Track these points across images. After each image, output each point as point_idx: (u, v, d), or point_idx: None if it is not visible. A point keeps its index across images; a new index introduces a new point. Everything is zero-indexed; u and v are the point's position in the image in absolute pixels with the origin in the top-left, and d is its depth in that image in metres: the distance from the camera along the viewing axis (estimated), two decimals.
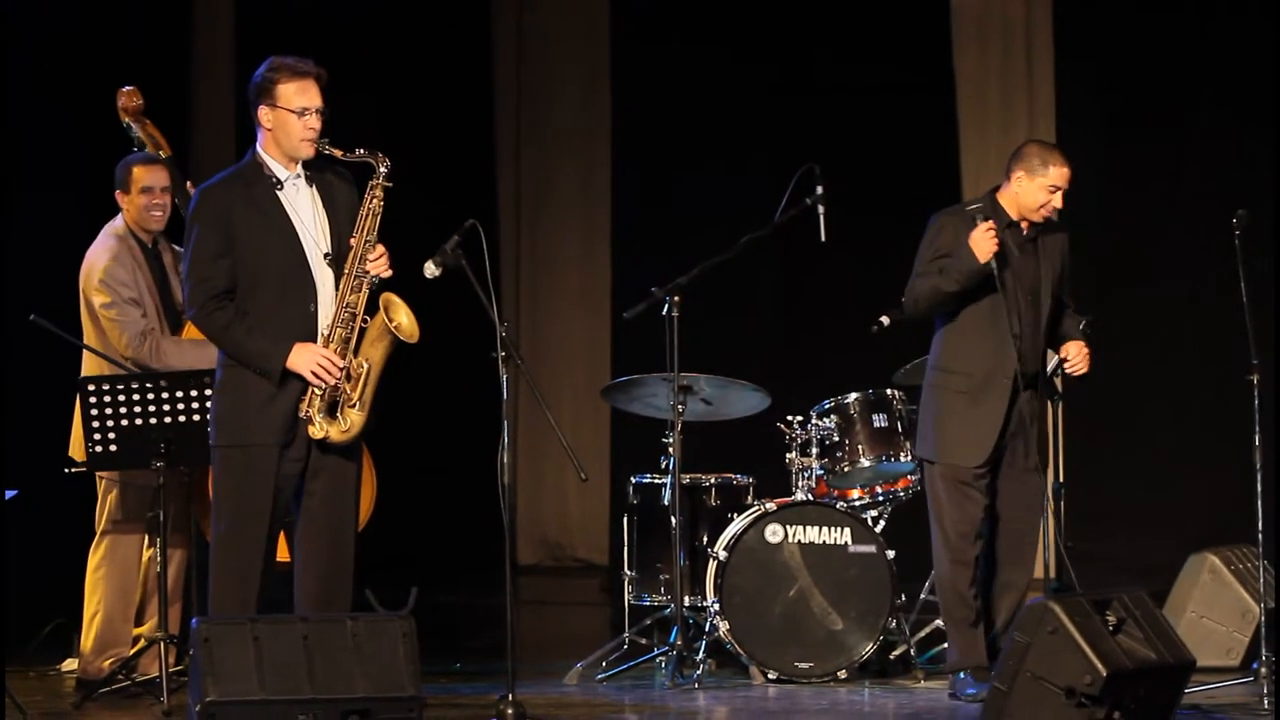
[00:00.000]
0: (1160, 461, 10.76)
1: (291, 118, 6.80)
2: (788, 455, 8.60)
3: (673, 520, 8.30)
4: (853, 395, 8.60)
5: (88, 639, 7.97)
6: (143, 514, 7.91)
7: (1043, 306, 7.73)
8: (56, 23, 10.35)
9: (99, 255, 7.93)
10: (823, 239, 8.37)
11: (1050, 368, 7.99)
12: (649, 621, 8.58)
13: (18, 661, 8.25)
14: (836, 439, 8.57)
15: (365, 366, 6.83)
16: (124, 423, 7.58)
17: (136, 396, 7.57)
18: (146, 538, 7.99)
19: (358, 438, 6.87)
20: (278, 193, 6.84)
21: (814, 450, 8.55)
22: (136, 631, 8.03)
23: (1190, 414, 10.68)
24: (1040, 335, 7.74)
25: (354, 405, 6.82)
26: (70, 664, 8.33)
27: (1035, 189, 7.65)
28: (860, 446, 8.56)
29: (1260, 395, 7.74)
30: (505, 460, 7.02)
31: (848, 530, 8.29)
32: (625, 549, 8.73)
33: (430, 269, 7.08)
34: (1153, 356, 10.61)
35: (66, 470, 7.86)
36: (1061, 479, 8.29)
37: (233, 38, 11.27)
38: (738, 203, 10.46)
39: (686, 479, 8.49)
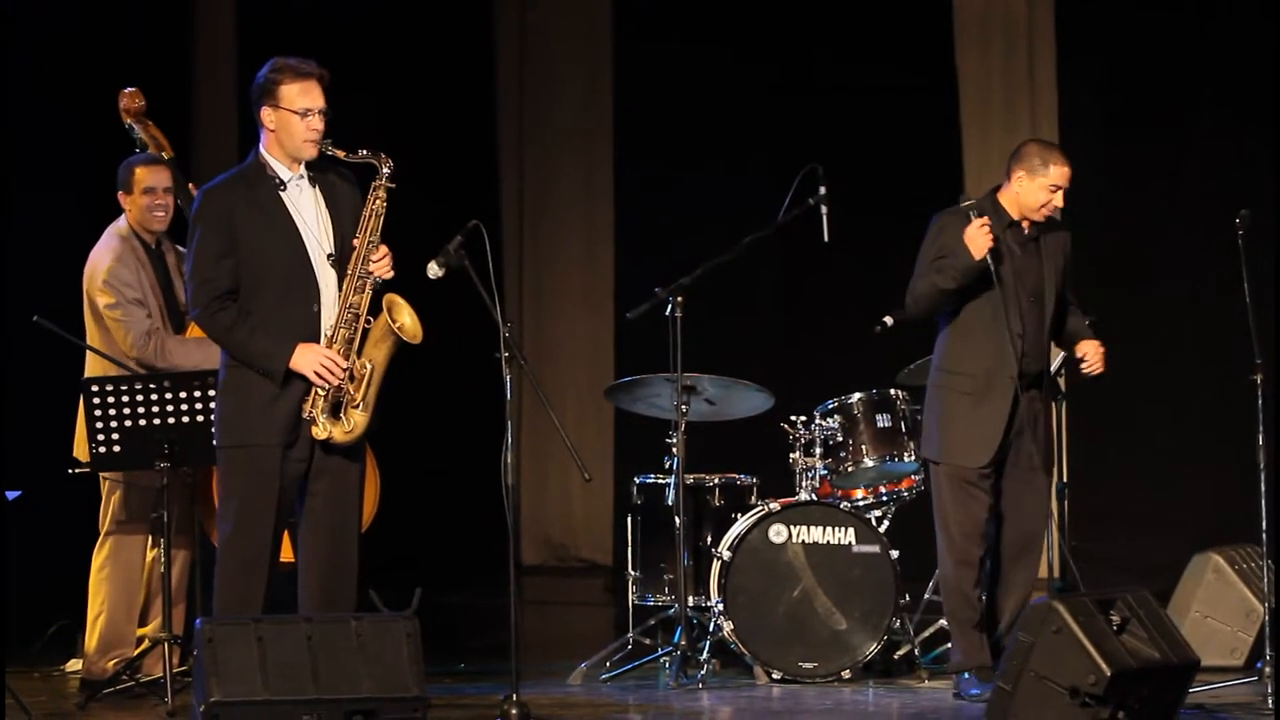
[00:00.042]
0: (1161, 461, 10.76)
1: (294, 119, 6.80)
2: (791, 455, 8.60)
3: (676, 520, 8.30)
4: (856, 395, 8.60)
5: (91, 640, 7.97)
6: (146, 515, 7.91)
7: (1046, 305, 7.73)
8: (57, 23, 10.35)
9: (103, 256, 7.94)
10: (825, 239, 8.37)
11: (1054, 367, 7.98)
12: (653, 622, 8.58)
13: (22, 662, 8.26)
14: (840, 439, 8.57)
15: (368, 367, 6.83)
16: (127, 423, 7.58)
17: (140, 397, 7.57)
18: (150, 538, 7.99)
19: (361, 438, 6.87)
20: (281, 193, 6.84)
21: (818, 450, 8.55)
22: (140, 632, 8.04)
23: (1191, 414, 10.68)
24: (1044, 334, 7.74)
25: (357, 406, 6.82)
26: (74, 664, 8.33)
27: (1036, 189, 7.65)
28: (864, 446, 8.56)
29: (1264, 395, 7.74)
30: (509, 461, 7.03)
31: (851, 530, 8.29)
32: (629, 549, 8.73)
33: (433, 269, 7.08)
34: (1153, 356, 10.61)
35: (70, 471, 7.86)
36: (1065, 479, 8.28)
37: (234, 38, 11.27)
38: (739, 203, 10.47)
39: (690, 479, 8.49)
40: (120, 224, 8.03)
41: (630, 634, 8.57)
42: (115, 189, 8.06)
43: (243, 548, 6.79)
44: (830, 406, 8.63)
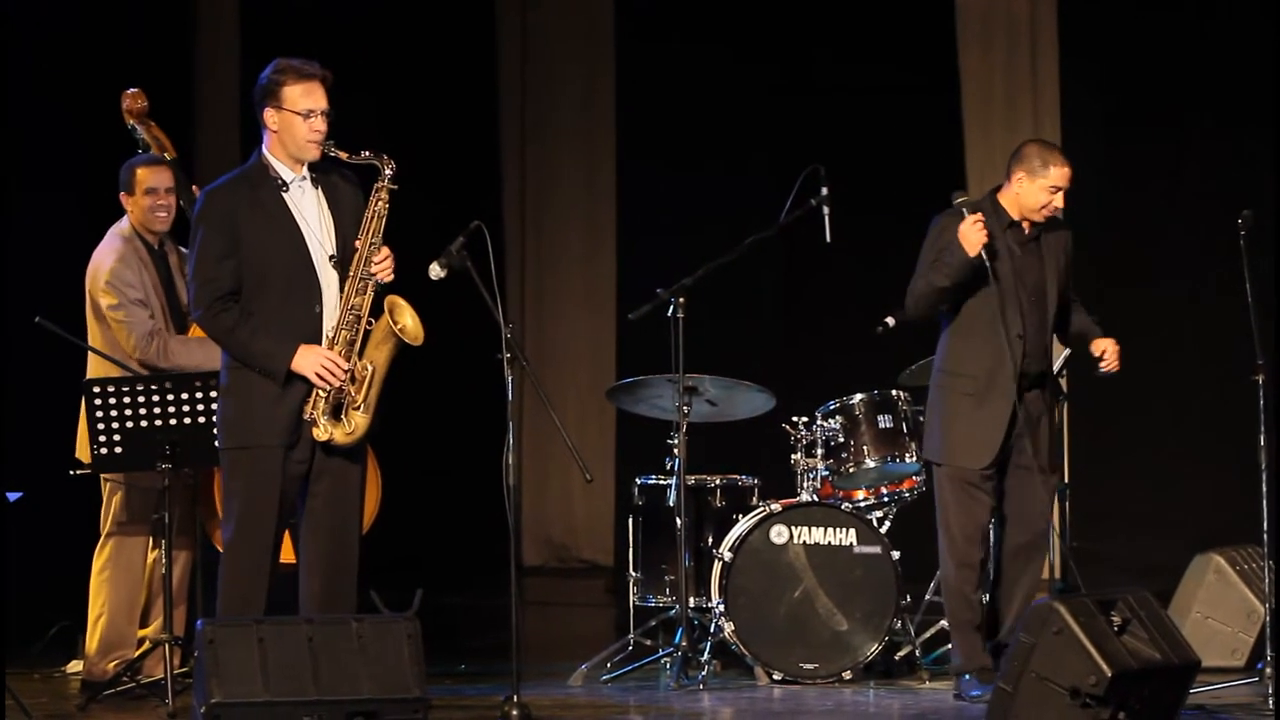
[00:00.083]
0: (1162, 461, 10.77)
1: (297, 120, 6.80)
2: (793, 456, 8.60)
3: (678, 521, 8.30)
4: (858, 396, 8.60)
5: (92, 641, 7.97)
6: (147, 516, 7.91)
7: (1048, 305, 7.73)
8: (57, 23, 10.35)
9: (105, 256, 7.94)
10: (827, 240, 8.37)
11: (1056, 367, 7.98)
12: (654, 622, 8.58)
13: (22, 663, 8.25)
14: (842, 440, 8.57)
15: (370, 369, 6.83)
16: (129, 425, 7.58)
17: (141, 399, 7.57)
18: (151, 540, 7.99)
19: (362, 440, 6.87)
20: (283, 194, 6.84)
21: (819, 451, 8.55)
22: (141, 633, 8.03)
23: (1191, 414, 10.68)
24: (1046, 334, 7.74)
25: (358, 407, 6.82)
26: (75, 666, 8.33)
27: (1036, 190, 7.65)
28: (865, 447, 8.56)
29: (1264, 395, 7.74)
30: (510, 461, 7.03)
31: (853, 531, 8.29)
32: (630, 550, 8.73)
33: (435, 270, 7.09)
34: (1153, 357, 10.62)
35: (71, 472, 7.86)
36: (1065, 479, 8.29)
37: (237, 38, 11.28)
38: (740, 203, 10.47)
39: (691, 480, 8.49)
40: (123, 225, 8.03)
41: (631, 635, 8.57)
42: (117, 190, 8.06)
43: (246, 550, 6.79)
44: (832, 407, 8.63)
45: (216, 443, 6.92)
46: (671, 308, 8.26)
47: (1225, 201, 8.54)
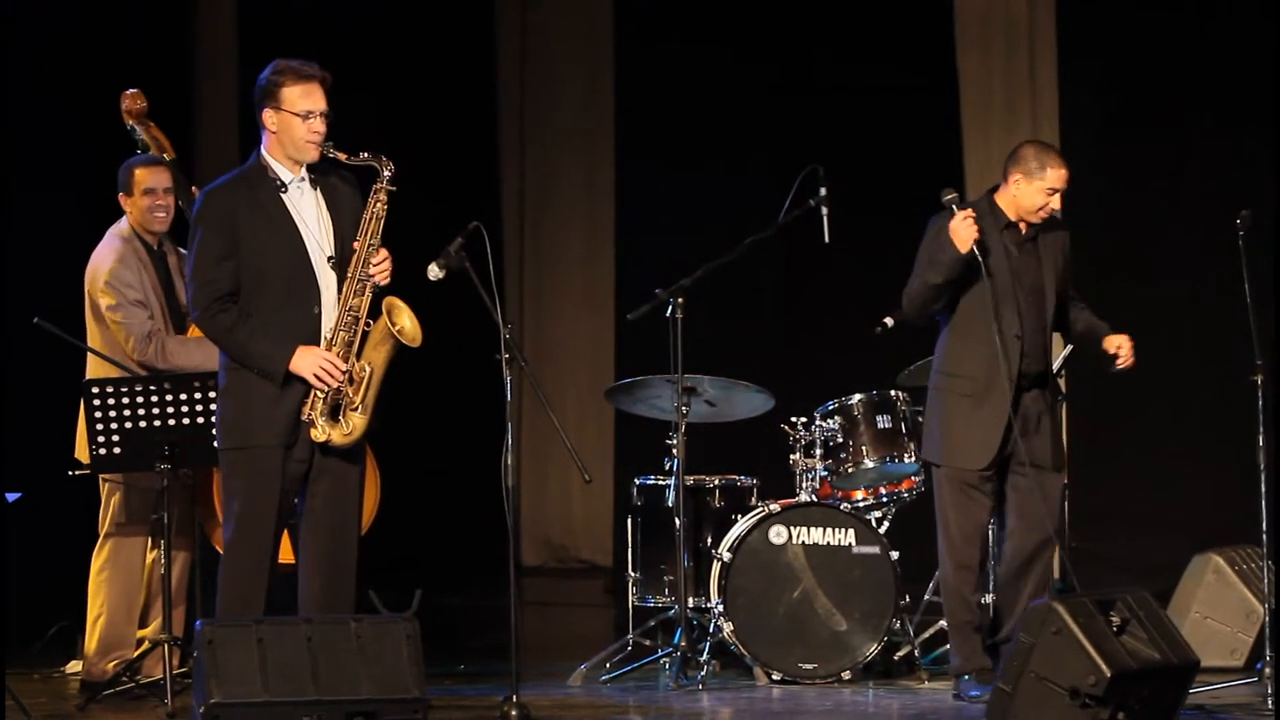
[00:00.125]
0: (1161, 461, 10.76)
1: (296, 121, 6.80)
2: (792, 456, 8.60)
3: (677, 522, 8.30)
4: (857, 396, 8.60)
5: (91, 641, 7.97)
6: (146, 516, 7.91)
7: (1046, 305, 7.72)
8: (57, 23, 10.35)
9: (104, 257, 7.94)
10: (826, 240, 8.37)
11: (1055, 366, 7.98)
12: (653, 623, 8.58)
13: (22, 664, 8.25)
14: (840, 440, 8.57)
15: (368, 370, 6.83)
16: (128, 425, 7.58)
17: (140, 399, 7.57)
18: (150, 540, 7.99)
19: (360, 441, 6.87)
20: (282, 195, 6.84)
21: (818, 451, 8.55)
22: (140, 634, 8.04)
23: (1191, 414, 10.68)
24: (1044, 334, 7.73)
25: (356, 409, 6.82)
26: (74, 666, 8.33)
27: (1033, 192, 7.64)
28: (864, 448, 8.56)
29: (1264, 395, 7.74)
30: (509, 462, 7.03)
31: (852, 531, 8.29)
32: (629, 550, 8.73)
33: (434, 271, 7.09)
34: (1153, 356, 10.56)
35: (70, 472, 7.87)
36: (1065, 480, 8.28)
37: (236, 38, 11.27)
38: (739, 203, 10.47)
39: (690, 480, 8.49)
40: (122, 225, 8.03)
41: (630, 635, 8.57)
42: (116, 190, 8.06)
43: (246, 550, 6.79)
44: (830, 408, 8.63)
45: (215, 443, 6.92)
46: (670, 308, 8.26)
47: (1225, 201, 8.54)
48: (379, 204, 6.89)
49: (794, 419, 8.60)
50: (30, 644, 8.56)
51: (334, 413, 6.81)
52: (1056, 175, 7.62)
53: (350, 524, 6.92)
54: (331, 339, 6.82)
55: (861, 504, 8.64)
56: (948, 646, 7.98)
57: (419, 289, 7.00)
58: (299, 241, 6.82)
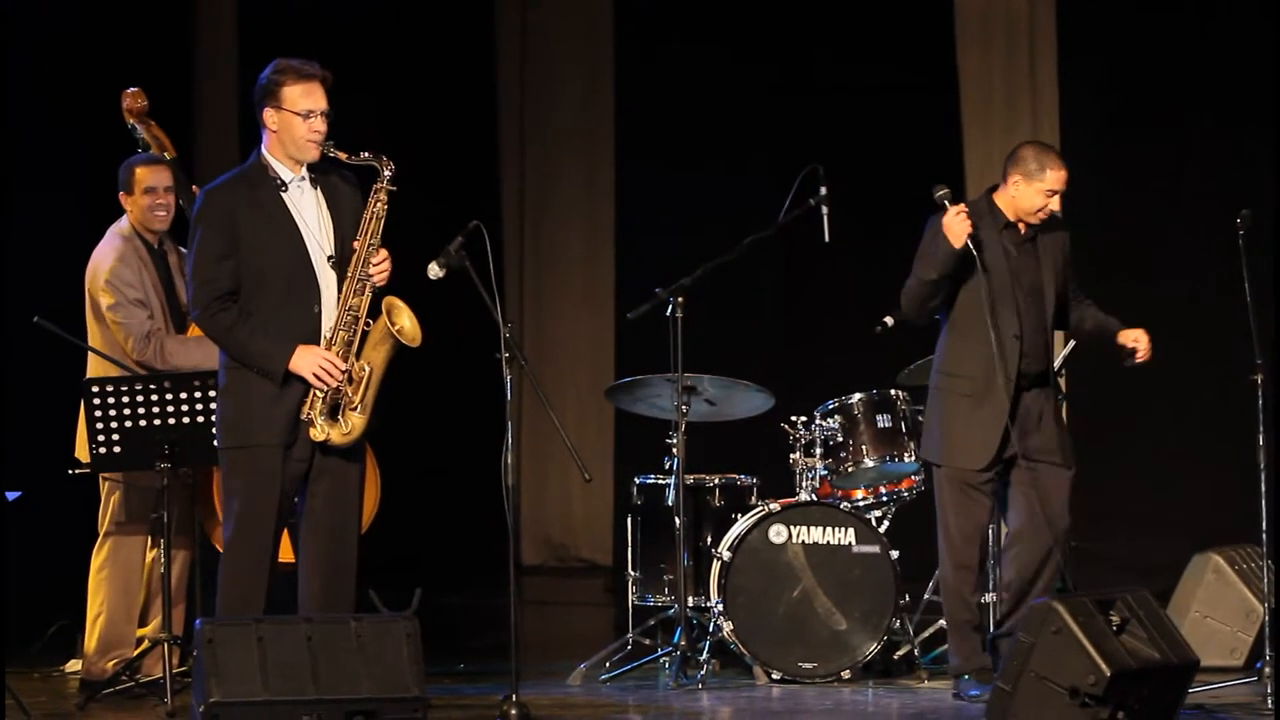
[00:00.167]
0: (1161, 461, 10.76)
1: (296, 120, 6.80)
2: (791, 456, 8.60)
3: (676, 521, 8.30)
4: (856, 396, 8.60)
5: (91, 640, 7.97)
6: (146, 515, 7.92)
7: (1046, 305, 7.71)
8: (57, 23, 10.35)
9: (105, 256, 7.94)
10: (826, 239, 8.37)
11: (1057, 364, 7.97)
12: (653, 622, 8.58)
13: (21, 662, 8.26)
14: (840, 439, 8.57)
15: (367, 370, 6.84)
16: (128, 424, 7.58)
17: (140, 398, 7.57)
18: (150, 539, 7.99)
19: (359, 440, 6.87)
20: (282, 194, 6.84)
21: (818, 451, 8.55)
22: (140, 633, 8.04)
23: (1191, 413, 10.68)
24: (1044, 334, 7.72)
25: (355, 408, 6.82)
26: (74, 665, 8.33)
27: (1032, 193, 7.63)
28: (864, 447, 8.56)
29: (1264, 395, 7.74)
30: (509, 461, 7.03)
31: (851, 530, 8.29)
32: (629, 549, 8.73)
33: (434, 270, 7.09)
34: (1153, 356, 10.61)
35: (70, 471, 7.87)
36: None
37: (236, 38, 11.27)
38: (739, 203, 10.46)
39: (690, 479, 8.49)
40: (122, 224, 8.03)
41: (630, 634, 8.58)
42: (116, 189, 8.06)
43: (246, 549, 6.79)
44: (830, 407, 8.63)
45: (215, 442, 6.92)
46: (670, 307, 8.26)
47: (1225, 201, 8.54)
48: (379, 204, 6.89)
49: (794, 418, 8.61)
50: (30, 643, 8.56)
51: (333, 412, 6.81)
52: (1056, 177, 7.62)
53: (350, 523, 6.92)
54: (331, 338, 6.82)
55: (861, 503, 8.64)
56: (947, 646, 7.98)
57: (419, 288, 7.00)
58: (299, 241, 6.82)
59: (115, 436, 7.58)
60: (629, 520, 8.74)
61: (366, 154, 6.88)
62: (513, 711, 7.00)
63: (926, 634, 8.58)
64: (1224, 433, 9.78)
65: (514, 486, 7.06)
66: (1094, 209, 10.25)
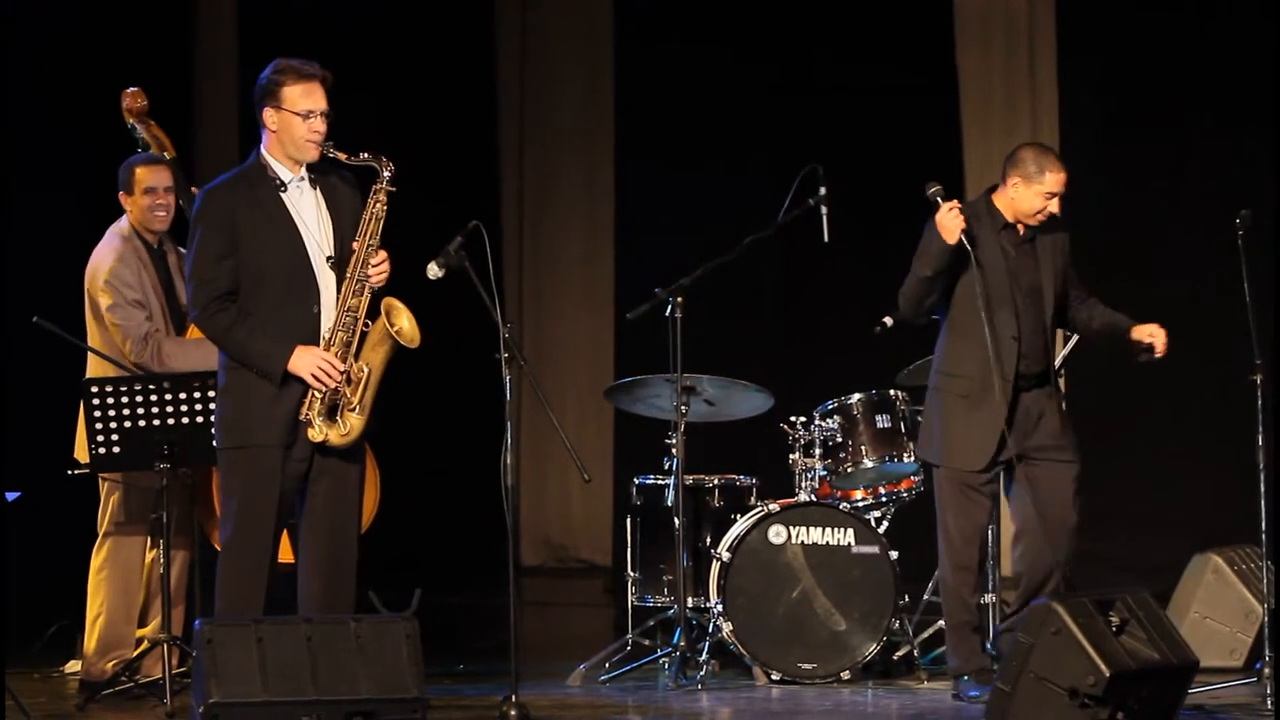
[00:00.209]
0: (1160, 461, 10.75)
1: (296, 120, 6.80)
2: (791, 456, 8.60)
3: (676, 521, 8.30)
4: (856, 396, 8.60)
5: (90, 641, 7.97)
6: (145, 516, 7.91)
7: (1044, 306, 7.71)
8: (57, 23, 10.35)
9: (105, 256, 7.94)
10: (825, 239, 8.37)
11: (1058, 363, 7.97)
12: (652, 622, 8.58)
13: (21, 663, 8.26)
14: (840, 440, 8.57)
15: (366, 371, 6.83)
16: (127, 424, 7.58)
17: (140, 398, 7.57)
18: (149, 539, 7.99)
19: (357, 441, 6.87)
20: (281, 195, 6.84)
21: (817, 451, 8.55)
22: (140, 633, 8.04)
23: (1190, 414, 10.67)
24: (1043, 334, 7.71)
25: (354, 409, 6.82)
26: (73, 666, 8.33)
27: (1032, 195, 7.63)
28: (863, 447, 8.56)
29: (1263, 395, 7.74)
30: (508, 461, 7.04)
31: (851, 531, 8.29)
32: (628, 550, 8.73)
33: (433, 270, 7.09)
34: (1136, 360, 10.61)
35: (70, 472, 7.86)
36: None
37: (236, 38, 11.27)
38: (739, 203, 10.46)
39: (690, 480, 8.49)
40: (122, 224, 8.03)
41: (629, 635, 8.58)
42: (116, 189, 8.06)
43: (245, 549, 6.79)
44: (830, 407, 8.63)
45: (215, 443, 6.92)
46: (670, 307, 8.26)
47: (1225, 201, 8.53)
48: (378, 204, 6.89)
49: (793, 418, 8.60)
50: (30, 643, 8.56)
51: (331, 413, 6.81)
52: (1055, 179, 7.61)
53: (350, 524, 6.92)
54: (330, 339, 6.82)
55: (861, 504, 8.64)
56: (946, 647, 7.98)
57: (418, 288, 7.00)
58: (298, 241, 6.82)
59: (115, 437, 7.58)
60: (628, 521, 8.74)
61: (366, 155, 6.88)
62: (512, 712, 7.00)
63: (926, 634, 8.58)
64: (1224, 433, 9.78)
65: (513, 487, 7.06)
66: (1094, 209, 10.24)
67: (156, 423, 7.58)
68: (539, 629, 10.13)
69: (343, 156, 6.85)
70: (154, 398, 7.58)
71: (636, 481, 8.73)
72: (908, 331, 8.11)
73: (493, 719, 7.06)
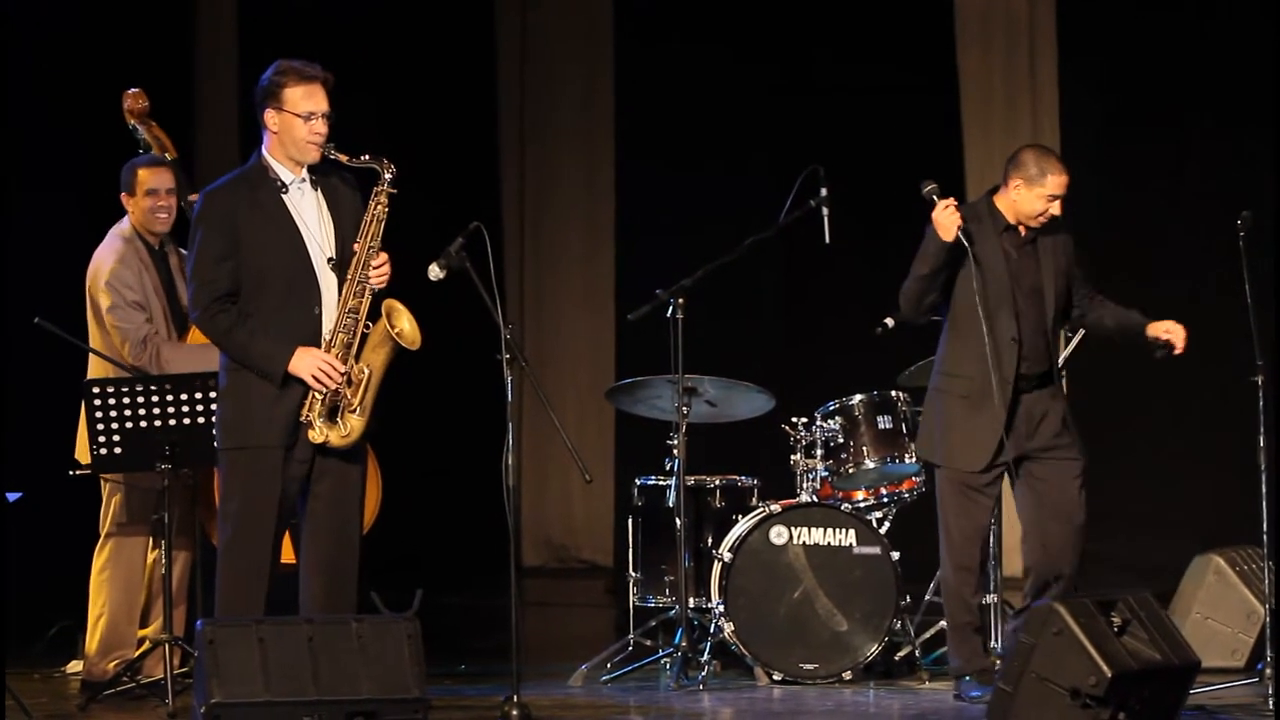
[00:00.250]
0: (1162, 461, 10.76)
1: (297, 122, 6.80)
2: (792, 457, 8.60)
3: (677, 522, 8.30)
4: (857, 397, 8.60)
5: (92, 641, 7.97)
6: (147, 516, 7.92)
7: (1047, 306, 7.71)
8: (57, 23, 10.35)
9: (106, 257, 7.94)
10: (826, 240, 8.37)
11: (1062, 359, 7.97)
12: (654, 623, 8.58)
13: (23, 663, 8.26)
14: (841, 440, 8.57)
15: (366, 372, 6.83)
16: (129, 425, 7.58)
17: (141, 399, 7.57)
18: (151, 540, 7.99)
19: (357, 443, 6.87)
20: (283, 196, 6.84)
21: (819, 452, 8.55)
22: (141, 633, 8.04)
23: (1191, 414, 10.68)
24: (1045, 335, 7.71)
25: (354, 410, 6.82)
26: (75, 666, 8.33)
27: (1033, 198, 7.63)
28: (865, 448, 8.56)
29: (1264, 396, 7.74)
30: (510, 462, 7.03)
31: (852, 532, 8.29)
32: (630, 551, 8.73)
33: (434, 271, 7.09)
34: (1153, 357, 10.61)
35: (71, 473, 7.86)
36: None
37: (236, 38, 11.27)
38: (740, 203, 10.46)
39: (691, 481, 8.49)
40: (123, 225, 8.03)
41: (631, 635, 8.57)
42: (116, 190, 8.06)
43: (244, 550, 6.79)
44: (831, 408, 8.63)
45: (215, 443, 6.92)
46: (671, 308, 8.26)
47: (1225, 202, 8.54)
48: (379, 206, 6.88)
49: (795, 419, 8.60)
50: (31, 644, 8.56)
51: (332, 414, 6.81)
52: (1056, 182, 7.60)
53: (352, 524, 6.92)
54: (331, 341, 6.82)
55: (862, 504, 8.64)
56: (947, 647, 7.98)
57: (419, 289, 7.00)
58: (299, 242, 6.82)
59: (116, 437, 7.58)
60: (630, 521, 8.74)
61: (367, 156, 6.88)
62: (514, 712, 7.00)
63: (927, 635, 8.57)
64: (1223, 433, 9.78)
65: (515, 487, 7.06)
66: (1094, 209, 10.25)
67: (158, 423, 7.58)
68: (540, 629, 10.13)
69: (344, 158, 6.85)
70: (155, 398, 7.58)
71: (638, 482, 8.73)
72: (909, 332, 8.11)
73: (494, 719, 7.06)
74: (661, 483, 8.62)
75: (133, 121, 8.14)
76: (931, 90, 11.42)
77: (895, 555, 8.27)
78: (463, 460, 10.79)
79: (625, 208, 12.19)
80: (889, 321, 8.12)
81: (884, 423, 8.57)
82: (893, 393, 8.65)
